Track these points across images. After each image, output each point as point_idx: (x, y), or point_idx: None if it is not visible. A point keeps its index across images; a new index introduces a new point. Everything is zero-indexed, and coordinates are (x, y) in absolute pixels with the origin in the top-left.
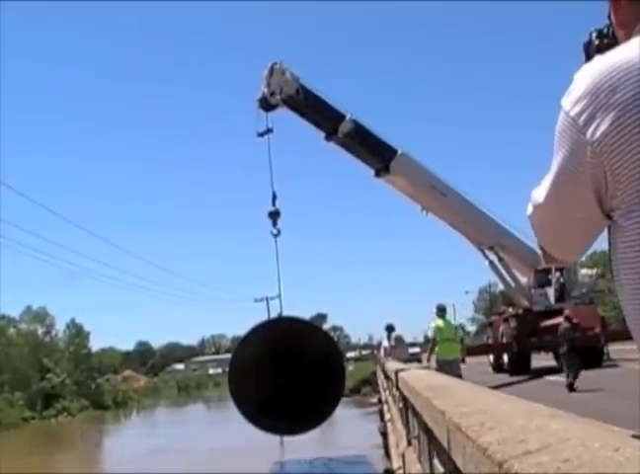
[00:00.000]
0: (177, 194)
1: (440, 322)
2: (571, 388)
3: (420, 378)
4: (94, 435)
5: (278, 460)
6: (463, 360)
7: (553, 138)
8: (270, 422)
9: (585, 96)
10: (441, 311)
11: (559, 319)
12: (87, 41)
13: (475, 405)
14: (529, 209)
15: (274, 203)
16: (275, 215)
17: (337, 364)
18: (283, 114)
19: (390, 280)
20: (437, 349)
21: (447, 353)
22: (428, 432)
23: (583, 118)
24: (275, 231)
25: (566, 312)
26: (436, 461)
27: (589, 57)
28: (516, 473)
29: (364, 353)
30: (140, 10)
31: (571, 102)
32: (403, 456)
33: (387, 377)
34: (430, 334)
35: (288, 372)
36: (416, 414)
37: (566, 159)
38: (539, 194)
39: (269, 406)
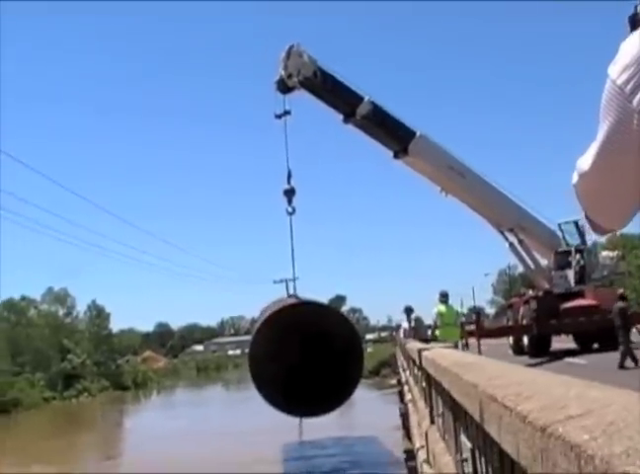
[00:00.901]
0: (197, 176)
1: (442, 308)
2: (622, 365)
3: (446, 356)
4: (114, 416)
5: (289, 442)
6: (467, 344)
7: (596, 110)
8: (289, 404)
9: (631, 64)
10: (444, 297)
11: (579, 301)
12: (103, 28)
13: (509, 378)
14: (575, 178)
15: (289, 181)
16: (290, 193)
17: (355, 347)
18: (301, 96)
19: (409, 263)
20: (437, 332)
21: (448, 336)
22: (454, 408)
23: (629, 86)
24: (290, 209)
25: (620, 291)
26: (462, 437)
27: (634, 28)
28: (560, 436)
29: (383, 335)
30: None
31: (617, 70)
32: (426, 435)
33: (408, 358)
34: (433, 316)
35: (308, 355)
36: (440, 392)
37: (612, 127)
38: (585, 162)
39: (288, 388)
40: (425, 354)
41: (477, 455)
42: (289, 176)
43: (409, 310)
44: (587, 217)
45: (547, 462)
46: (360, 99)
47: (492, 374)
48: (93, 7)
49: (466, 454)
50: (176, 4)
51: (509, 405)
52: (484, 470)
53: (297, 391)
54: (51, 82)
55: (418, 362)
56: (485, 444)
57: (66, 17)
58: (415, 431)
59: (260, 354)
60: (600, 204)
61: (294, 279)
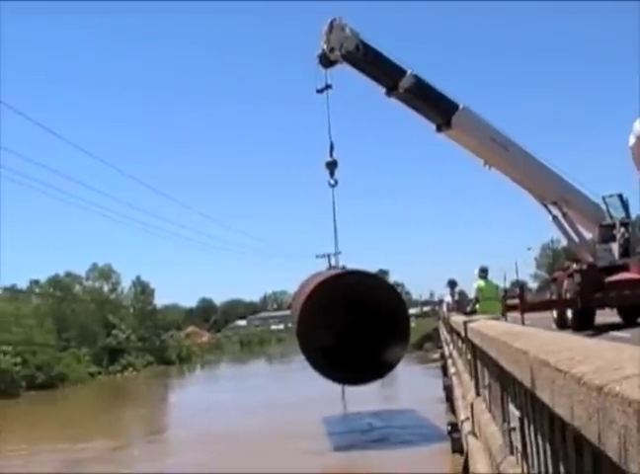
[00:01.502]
0: (240, 154)
1: (481, 283)
2: None
3: (493, 327)
4: (159, 390)
5: (334, 414)
6: (506, 318)
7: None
8: (337, 372)
9: None
10: (483, 272)
11: (624, 275)
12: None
13: (559, 344)
14: (631, 140)
15: (331, 154)
16: (332, 166)
17: (402, 316)
18: (343, 70)
19: (451, 237)
20: (478, 306)
21: (489, 309)
22: (501, 378)
23: None
24: (332, 181)
25: None
26: (511, 407)
27: None
28: (617, 394)
29: (426, 309)
30: None
31: None
32: (471, 407)
33: (452, 331)
34: (472, 293)
35: (356, 323)
36: (487, 362)
37: None
38: None
39: (336, 356)
40: (471, 325)
41: (526, 423)
42: (332, 148)
43: (453, 283)
44: None
45: (604, 420)
46: (403, 72)
47: (542, 342)
48: None
49: (514, 423)
50: None
51: (562, 368)
52: (533, 437)
53: (345, 359)
54: (105, 65)
55: (463, 334)
56: (534, 411)
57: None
58: (459, 403)
59: (308, 323)
60: None
61: (337, 254)
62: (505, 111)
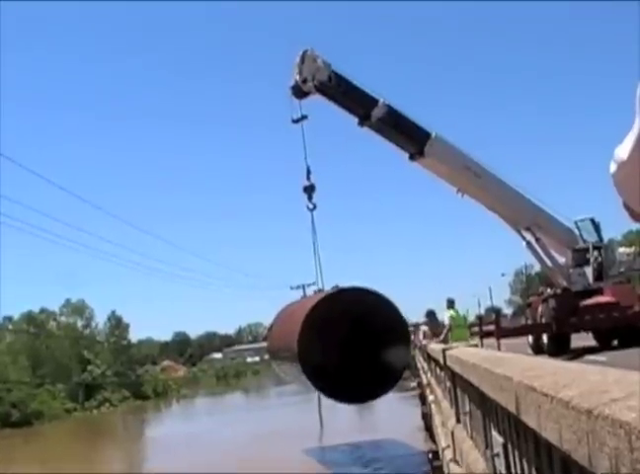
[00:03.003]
0: (211, 183)
1: (452, 312)
2: None
3: (472, 354)
4: (136, 426)
5: (312, 447)
6: (482, 345)
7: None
8: (340, 390)
9: None
10: (451, 303)
11: (598, 298)
12: (113, 31)
13: (542, 369)
14: (612, 167)
15: (308, 178)
16: (310, 189)
17: (402, 332)
18: (317, 100)
19: (424, 264)
20: (450, 334)
21: (460, 337)
22: (483, 404)
23: None
24: (310, 205)
25: None
26: (494, 433)
27: None
28: (607, 416)
29: None
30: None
31: None
32: (452, 434)
33: (430, 359)
34: (446, 321)
35: (355, 342)
36: (467, 390)
37: None
38: (623, 151)
39: (338, 375)
40: (449, 352)
41: (510, 449)
42: (309, 172)
43: (431, 314)
44: (625, 206)
45: (594, 443)
46: (375, 101)
47: (524, 367)
48: (102, 9)
49: (497, 449)
50: (188, 5)
51: (549, 393)
52: (517, 462)
53: (347, 378)
54: (59, 87)
55: (442, 362)
56: (519, 437)
57: (75, 20)
58: (439, 430)
59: (309, 343)
60: (638, 192)
61: (320, 270)
62: (479, 132)
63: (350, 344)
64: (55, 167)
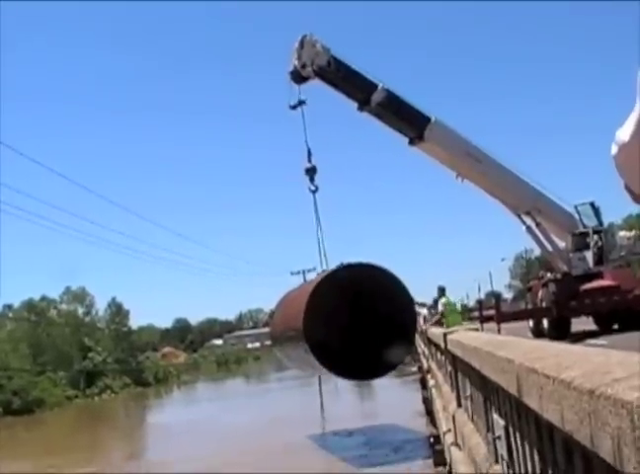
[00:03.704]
0: (211, 171)
1: (444, 299)
2: None
3: (474, 338)
4: (137, 413)
5: (314, 432)
6: (481, 327)
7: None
8: (345, 367)
9: None
10: (442, 291)
11: (598, 282)
12: (114, 23)
13: (544, 351)
14: (614, 149)
15: (309, 160)
16: (311, 171)
17: (408, 308)
18: (315, 86)
19: (425, 249)
20: (445, 319)
21: (457, 321)
22: (484, 388)
23: None
24: (312, 187)
25: None
26: (495, 416)
27: None
28: (609, 396)
29: None
30: None
31: None
32: (453, 418)
33: (430, 343)
34: (440, 308)
35: (360, 319)
36: (468, 373)
37: None
38: (624, 133)
39: (346, 353)
40: (450, 337)
41: (511, 432)
42: (310, 154)
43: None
44: (626, 187)
45: (596, 423)
46: (375, 86)
47: (525, 350)
48: (101, 3)
49: (499, 432)
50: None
51: (550, 374)
52: (519, 444)
53: (353, 355)
54: (61, 78)
55: (443, 346)
56: (520, 419)
57: (75, 13)
58: (440, 415)
59: (315, 319)
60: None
61: (324, 251)
62: (480, 118)
63: (355, 320)
64: (57, 156)
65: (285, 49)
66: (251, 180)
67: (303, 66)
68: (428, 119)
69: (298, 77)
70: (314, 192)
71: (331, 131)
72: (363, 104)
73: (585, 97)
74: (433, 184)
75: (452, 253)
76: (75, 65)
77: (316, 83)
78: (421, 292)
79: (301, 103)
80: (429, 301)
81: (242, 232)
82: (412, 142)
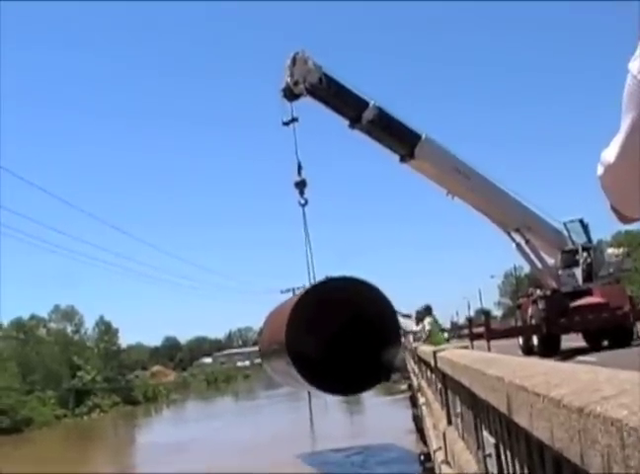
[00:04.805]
0: (201, 187)
1: (430, 319)
2: None
3: (463, 355)
4: (127, 432)
5: (303, 452)
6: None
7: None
8: (326, 380)
9: None
10: (428, 309)
11: (588, 299)
12: (105, 31)
13: (533, 369)
14: (600, 170)
15: (299, 173)
16: (301, 185)
17: (391, 320)
18: (308, 102)
19: (414, 266)
20: (431, 339)
21: (441, 341)
22: (475, 405)
23: None
24: (302, 201)
25: None
26: (485, 433)
27: None
28: (599, 414)
29: None
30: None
31: (638, 66)
32: (444, 436)
33: (420, 361)
34: (427, 327)
35: (344, 332)
36: (458, 391)
37: (635, 119)
38: (610, 154)
39: (328, 367)
40: (440, 354)
41: (501, 449)
42: (300, 168)
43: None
44: (612, 208)
45: (586, 441)
46: (366, 104)
47: (515, 368)
48: (94, 9)
49: (489, 450)
50: (181, 5)
51: (540, 392)
52: (509, 462)
53: (337, 370)
54: (45, 86)
55: (433, 364)
56: (510, 437)
57: (66, 21)
58: (431, 432)
59: (298, 336)
60: (626, 195)
61: (312, 264)
62: (468, 133)
63: (338, 333)
64: (41, 171)
65: (277, 62)
66: (240, 198)
67: (295, 83)
68: (418, 137)
69: (290, 94)
70: (304, 205)
71: (322, 146)
72: (355, 121)
73: (578, 109)
74: (422, 200)
75: (441, 270)
76: (61, 73)
77: (308, 100)
78: (409, 307)
79: (294, 120)
80: (413, 313)
81: (231, 248)
82: (403, 159)
